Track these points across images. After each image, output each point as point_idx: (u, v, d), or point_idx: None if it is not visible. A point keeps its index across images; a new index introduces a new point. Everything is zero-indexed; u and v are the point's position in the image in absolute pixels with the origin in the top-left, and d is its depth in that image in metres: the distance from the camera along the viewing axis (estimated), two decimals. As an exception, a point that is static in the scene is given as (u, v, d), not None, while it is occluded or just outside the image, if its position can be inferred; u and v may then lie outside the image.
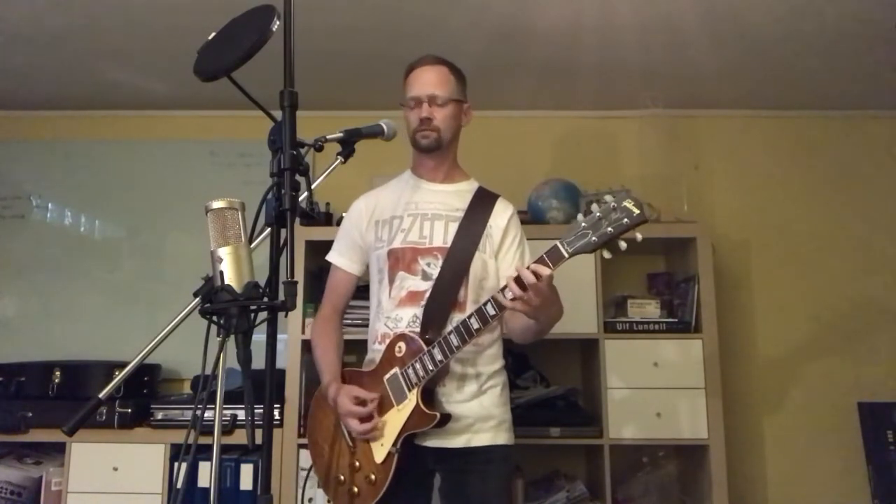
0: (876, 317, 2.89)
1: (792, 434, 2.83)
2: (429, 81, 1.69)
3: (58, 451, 2.49)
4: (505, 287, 1.45)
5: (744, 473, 2.76)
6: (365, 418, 1.57)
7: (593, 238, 1.37)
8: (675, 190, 2.76)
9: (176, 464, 2.34)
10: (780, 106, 3.03)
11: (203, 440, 1.07)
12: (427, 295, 1.62)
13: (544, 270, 1.39)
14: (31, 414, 2.43)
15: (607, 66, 2.64)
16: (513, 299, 1.43)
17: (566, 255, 1.40)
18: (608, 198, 1.38)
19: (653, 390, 2.44)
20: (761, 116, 3.07)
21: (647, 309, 2.58)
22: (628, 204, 1.35)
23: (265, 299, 1.06)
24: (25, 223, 3.04)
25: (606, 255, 1.40)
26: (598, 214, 1.38)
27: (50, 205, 3.06)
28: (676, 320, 2.55)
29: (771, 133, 3.06)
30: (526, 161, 3.01)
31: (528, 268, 1.40)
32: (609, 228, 1.36)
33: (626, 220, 1.35)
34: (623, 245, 1.38)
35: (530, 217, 2.62)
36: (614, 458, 2.42)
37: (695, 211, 2.75)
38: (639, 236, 1.38)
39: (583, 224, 1.39)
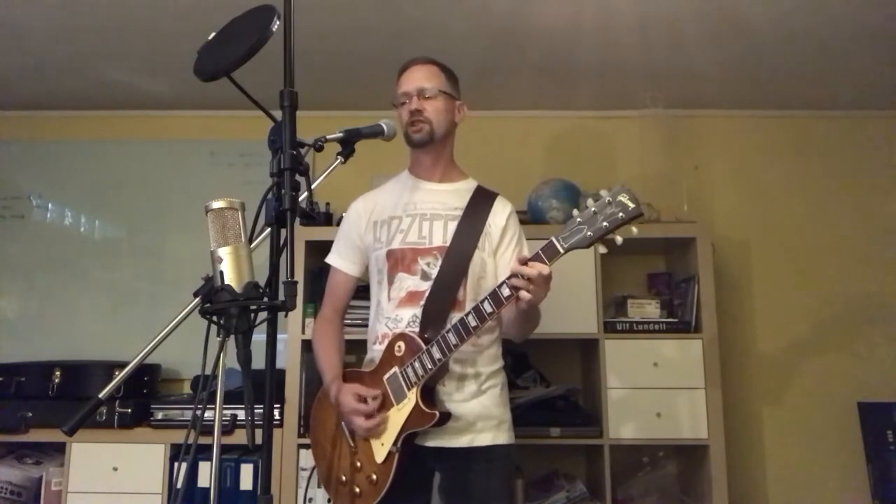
0: (876, 317, 2.88)
1: (792, 434, 2.83)
2: (417, 77, 1.71)
3: (58, 451, 2.49)
4: (502, 283, 1.46)
5: (744, 473, 2.76)
6: (369, 415, 1.57)
7: (588, 233, 1.38)
8: (675, 190, 2.76)
9: (176, 464, 2.35)
10: (780, 106, 3.03)
11: (203, 440, 1.07)
12: (426, 295, 1.63)
13: (544, 269, 1.40)
14: (31, 414, 2.44)
15: (607, 66, 2.64)
16: (508, 296, 1.44)
17: (561, 251, 1.41)
18: (603, 192, 1.38)
19: (653, 390, 2.44)
20: (761, 116, 3.07)
21: (647, 309, 2.58)
22: (623, 198, 1.36)
23: (265, 299, 1.06)
24: (25, 223, 3.04)
25: (602, 249, 1.40)
26: (593, 209, 1.38)
27: (50, 205, 3.06)
28: (676, 320, 2.55)
29: (771, 133, 3.06)
30: (526, 161, 3.01)
31: (526, 262, 1.41)
32: (604, 223, 1.36)
33: (621, 214, 1.36)
34: (619, 240, 1.38)
35: (530, 217, 2.62)
36: (614, 458, 2.42)
37: (695, 211, 2.75)
38: (634, 230, 1.38)
39: (578, 219, 1.40)
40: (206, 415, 1.06)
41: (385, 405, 1.59)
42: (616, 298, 2.69)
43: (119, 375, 1.21)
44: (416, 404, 1.53)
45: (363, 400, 1.58)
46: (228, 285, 1.05)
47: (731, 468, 2.43)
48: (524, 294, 1.42)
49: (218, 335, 1.05)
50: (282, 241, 1.10)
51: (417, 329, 1.60)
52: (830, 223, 2.98)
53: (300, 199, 1.12)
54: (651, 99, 2.79)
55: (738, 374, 2.83)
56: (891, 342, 2.86)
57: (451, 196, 1.74)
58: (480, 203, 1.73)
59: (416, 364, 1.54)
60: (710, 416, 2.40)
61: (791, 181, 3.02)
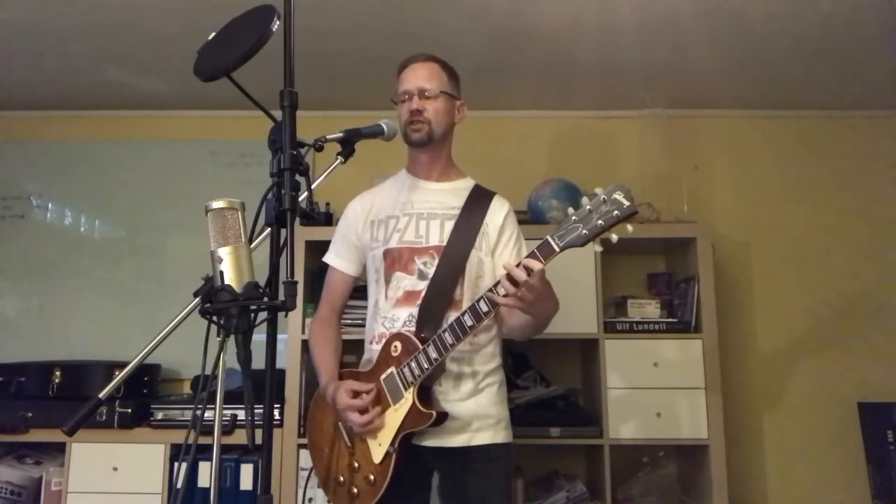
0: (876, 317, 2.89)
1: (792, 434, 2.83)
2: (419, 76, 1.69)
3: (58, 451, 2.49)
4: (497, 284, 1.45)
5: (744, 473, 2.76)
6: (363, 410, 1.56)
7: (584, 231, 1.37)
8: (675, 190, 2.76)
9: (176, 464, 2.35)
10: (780, 106, 3.03)
11: (203, 440, 1.07)
12: (423, 294, 1.62)
13: (535, 265, 1.39)
14: (31, 414, 2.43)
15: (607, 66, 2.64)
16: (505, 296, 1.43)
17: (557, 250, 1.40)
18: (598, 190, 1.38)
19: (653, 390, 2.44)
20: (761, 116, 3.07)
21: (647, 309, 2.58)
22: (618, 196, 1.35)
23: (265, 299, 1.06)
24: (25, 223, 3.04)
25: (598, 248, 1.39)
26: (588, 207, 1.38)
27: (50, 205, 3.06)
28: (676, 320, 2.55)
29: (771, 133, 3.06)
30: (526, 161, 3.01)
31: (518, 264, 1.40)
32: (599, 221, 1.36)
33: (616, 212, 1.35)
34: (614, 238, 1.37)
35: (530, 217, 2.62)
36: (614, 458, 2.42)
37: (695, 211, 2.75)
38: (630, 228, 1.37)
39: (573, 218, 1.39)
40: (206, 415, 1.06)
41: (382, 405, 1.58)
42: (616, 298, 2.69)
43: (119, 375, 1.21)
44: (413, 404, 1.53)
45: (358, 396, 1.57)
46: (228, 285, 1.05)
47: (731, 468, 2.43)
48: (509, 301, 1.41)
49: (218, 335, 1.05)
50: (282, 241, 1.10)
51: (414, 328, 1.60)
52: (830, 223, 2.98)
53: (300, 199, 1.12)
54: (651, 99, 2.79)
55: (738, 374, 2.83)
56: (891, 342, 2.86)
57: (449, 195, 1.73)
58: (477, 202, 1.72)
59: (413, 364, 1.54)
60: (710, 416, 2.40)
61: (791, 181, 3.02)
